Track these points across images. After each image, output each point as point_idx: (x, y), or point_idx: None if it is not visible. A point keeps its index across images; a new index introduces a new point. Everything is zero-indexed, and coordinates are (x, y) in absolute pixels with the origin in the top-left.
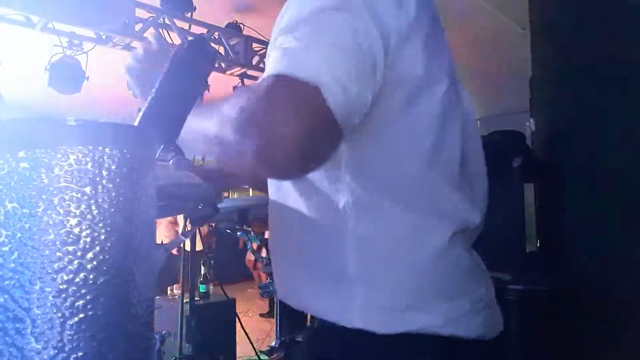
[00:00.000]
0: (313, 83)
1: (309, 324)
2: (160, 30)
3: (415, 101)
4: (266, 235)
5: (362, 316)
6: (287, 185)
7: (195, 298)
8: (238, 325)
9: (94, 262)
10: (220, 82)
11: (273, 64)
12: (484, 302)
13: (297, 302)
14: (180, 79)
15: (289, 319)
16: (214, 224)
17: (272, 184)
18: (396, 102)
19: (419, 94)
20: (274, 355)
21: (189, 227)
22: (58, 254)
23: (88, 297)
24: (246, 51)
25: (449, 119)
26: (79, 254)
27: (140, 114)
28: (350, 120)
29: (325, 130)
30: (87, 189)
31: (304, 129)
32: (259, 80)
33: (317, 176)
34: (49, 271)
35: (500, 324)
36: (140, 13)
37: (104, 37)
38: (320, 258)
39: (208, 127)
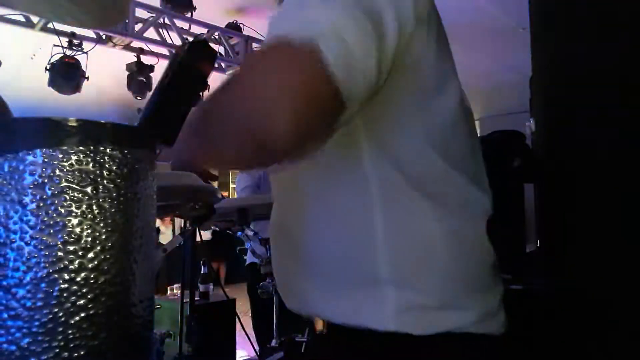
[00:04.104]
0: (307, 41)
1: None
2: (160, 30)
3: (434, 100)
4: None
5: (396, 318)
6: (304, 177)
7: (195, 298)
8: (238, 325)
9: (95, 262)
10: (220, 82)
11: (270, 32)
12: (502, 298)
13: (307, 307)
14: (181, 80)
15: (289, 319)
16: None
17: (284, 180)
18: (415, 99)
19: (437, 93)
20: (273, 355)
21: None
22: (60, 253)
23: (89, 297)
24: (246, 51)
25: (461, 116)
26: (80, 253)
27: (141, 114)
28: (353, 82)
29: (322, 93)
30: (89, 189)
31: (298, 92)
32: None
33: (342, 171)
34: (51, 271)
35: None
36: (140, 13)
37: (104, 37)
38: (343, 258)
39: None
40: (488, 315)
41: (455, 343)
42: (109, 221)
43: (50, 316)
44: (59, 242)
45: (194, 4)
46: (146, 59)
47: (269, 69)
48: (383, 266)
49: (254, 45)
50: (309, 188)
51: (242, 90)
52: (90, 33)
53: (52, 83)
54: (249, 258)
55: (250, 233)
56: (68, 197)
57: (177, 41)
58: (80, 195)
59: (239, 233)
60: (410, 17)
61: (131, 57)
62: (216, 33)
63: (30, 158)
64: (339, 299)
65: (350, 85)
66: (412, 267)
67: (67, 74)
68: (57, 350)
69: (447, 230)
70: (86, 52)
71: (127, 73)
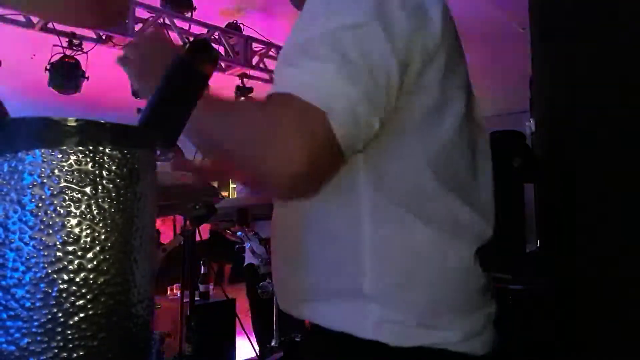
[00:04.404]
0: (322, 107)
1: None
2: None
3: (433, 121)
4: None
5: (376, 329)
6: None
7: (196, 298)
8: (238, 325)
9: (94, 262)
10: (220, 82)
11: (282, 80)
12: (491, 320)
13: (296, 309)
14: (182, 80)
15: (288, 319)
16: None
17: None
18: (415, 120)
19: (437, 114)
20: (273, 355)
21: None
22: (59, 254)
23: (88, 297)
24: (246, 51)
25: (462, 136)
26: (79, 253)
27: (141, 114)
28: (354, 147)
29: (327, 157)
30: (88, 190)
31: (306, 154)
32: (267, 93)
33: (335, 186)
34: (50, 271)
35: (496, 342)
36: (141, 13)
37: (104, 37)
38: (333, 268)
39: (210, 132)
40: (470, 335)
41: (431, 358)
42: (109, 221)
43: (50, 316)
44: (58, 243)
45: (194, 4)
46: None
47: (278, 121)
48: (368, 281)
49: (254, 45)
50: (305, 200)
51: (249, 132)
52: (90, 33)
53: (52, 83)
54: (247, 258)
55: (250, 233)
56: (67, 197)
57: (177, 41)
58: (79, 195)
59: (238, 233)
60: (418, 61)
61: None
62: (216, 33)
63: (29, 158)
64: (325, 306)
65: (352, 147)
66: (396, 284)
67: (67, 74)
68: (56, 350)
69: (433, 251)
70: (86, 52)
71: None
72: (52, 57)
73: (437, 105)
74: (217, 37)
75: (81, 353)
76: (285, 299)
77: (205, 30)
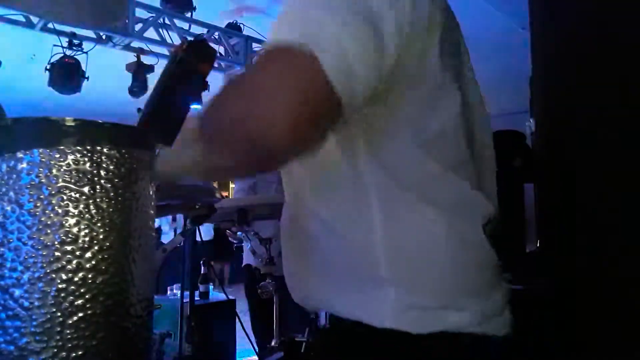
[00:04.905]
0: (306, 47)
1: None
2: (160, 30)
3: (430, 105)
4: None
5: (394, 316)
6: (307, 184)
7: (195, 298)
8: (238, 325)
9: (93, 262)
10: (220, 82)
11: (273, 34)
12: (507, 299)
13: (313, 301)
14: (180, 80)
15: (289, 319)
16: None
17: (289, 185)
18: (413, 105)
19: (435, 98)
20: (273, 355)
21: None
22: (57, 253)
23: (87, 297)
24: (246, 51)
25: (461, 118)
26: (77, 253)
27: (141, 114)
28: (352, 89)
29: (320, 99)
30: (86, 189)
31: (296, 97)
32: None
33: (341, 176)
34: (48, 271)
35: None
36: (140, 13)
37: (104, 37)
38: (347, 257)
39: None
40: (489, 316)
41: (453, 342)
42: (107, 221)
43: (48, 316)
44: (56, 242)
45: (194, 4)
46: (146, 59)
47: (267, 74)
48: (383, 267)
49: (254, 45)
50: (313, 194)
51: (240, 94)
52: (90, 33)
53: (52, 83)
54: (245, 259)
55: (250, 233)
56: (65, 197)
57: (177, 41)
58: (77, 195)
59: (239, 233)
60: (409, 22)
61: (131, 57)
62: (216, 33)
63: (27, 158)
64: (344, 295)
65: (350, 94)
66: (411, 268)
67: (67, 74)
68: (55, 350)
69: (444, 232)
70: (86, 52)
71: (128, 73)
72: (52, 57)
73: (436, 94)
74: (217, 37)
75: (80, 352)
76: (300, 292)
77: (205, 30)
